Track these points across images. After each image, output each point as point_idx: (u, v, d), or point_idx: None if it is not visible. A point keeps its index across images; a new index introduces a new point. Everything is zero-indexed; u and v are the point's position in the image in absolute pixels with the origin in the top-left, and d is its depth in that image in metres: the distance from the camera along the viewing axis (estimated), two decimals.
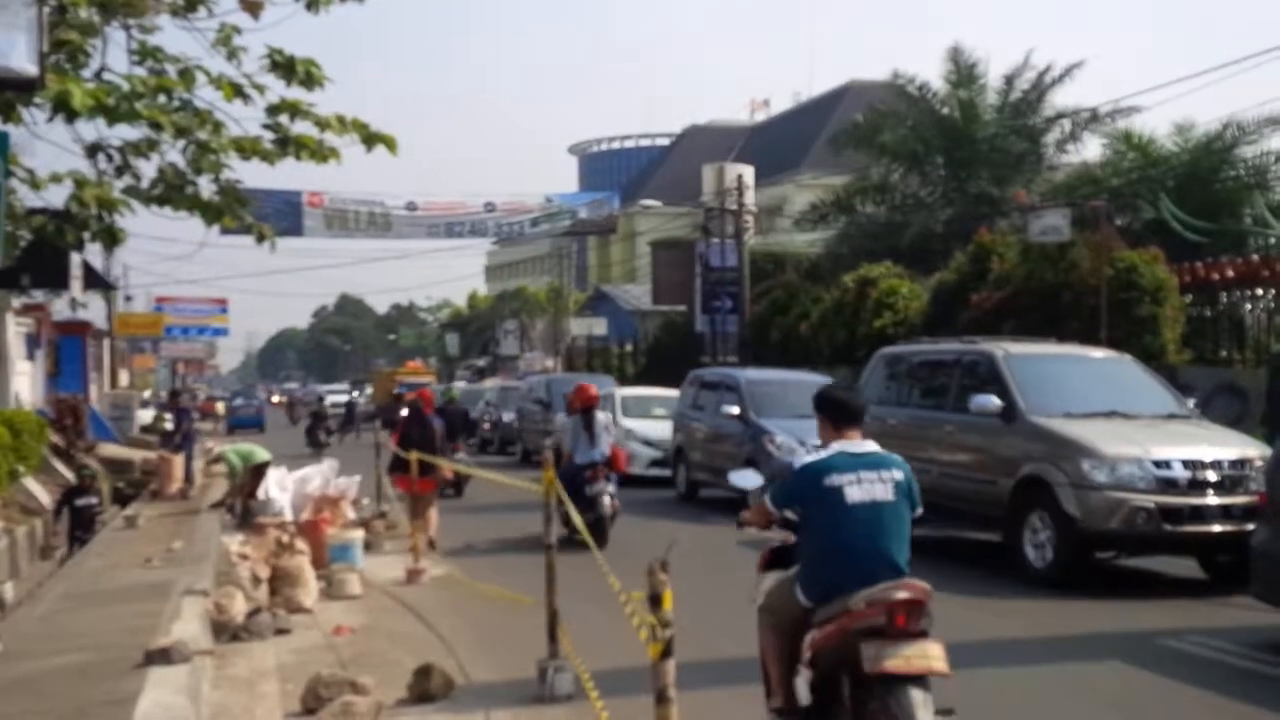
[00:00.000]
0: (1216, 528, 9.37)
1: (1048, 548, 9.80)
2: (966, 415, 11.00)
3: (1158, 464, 9.51)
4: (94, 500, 13.50)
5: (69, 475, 16.13)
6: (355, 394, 51.46)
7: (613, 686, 5.30)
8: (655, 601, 3.74)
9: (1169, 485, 9.44)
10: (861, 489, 4.72)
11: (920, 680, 4.45)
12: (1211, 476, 9.48)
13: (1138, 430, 10.15)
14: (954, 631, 8.23)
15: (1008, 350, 11.36)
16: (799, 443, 14.86)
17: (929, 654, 4.46)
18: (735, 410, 15.85)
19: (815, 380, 18.13)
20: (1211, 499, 9.41)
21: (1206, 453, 9.68)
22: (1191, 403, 11.40)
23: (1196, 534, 9.44)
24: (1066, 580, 9.61)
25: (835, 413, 5.01)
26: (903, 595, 4.49)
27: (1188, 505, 9.38)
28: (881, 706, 4.43)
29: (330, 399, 42.90)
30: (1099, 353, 12.54)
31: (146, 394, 41.61)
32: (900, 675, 4.41)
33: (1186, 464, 9.54)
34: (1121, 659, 7.40)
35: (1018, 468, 10.26)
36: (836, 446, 4.90)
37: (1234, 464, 9.59)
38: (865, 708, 4.50)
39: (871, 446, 4.91)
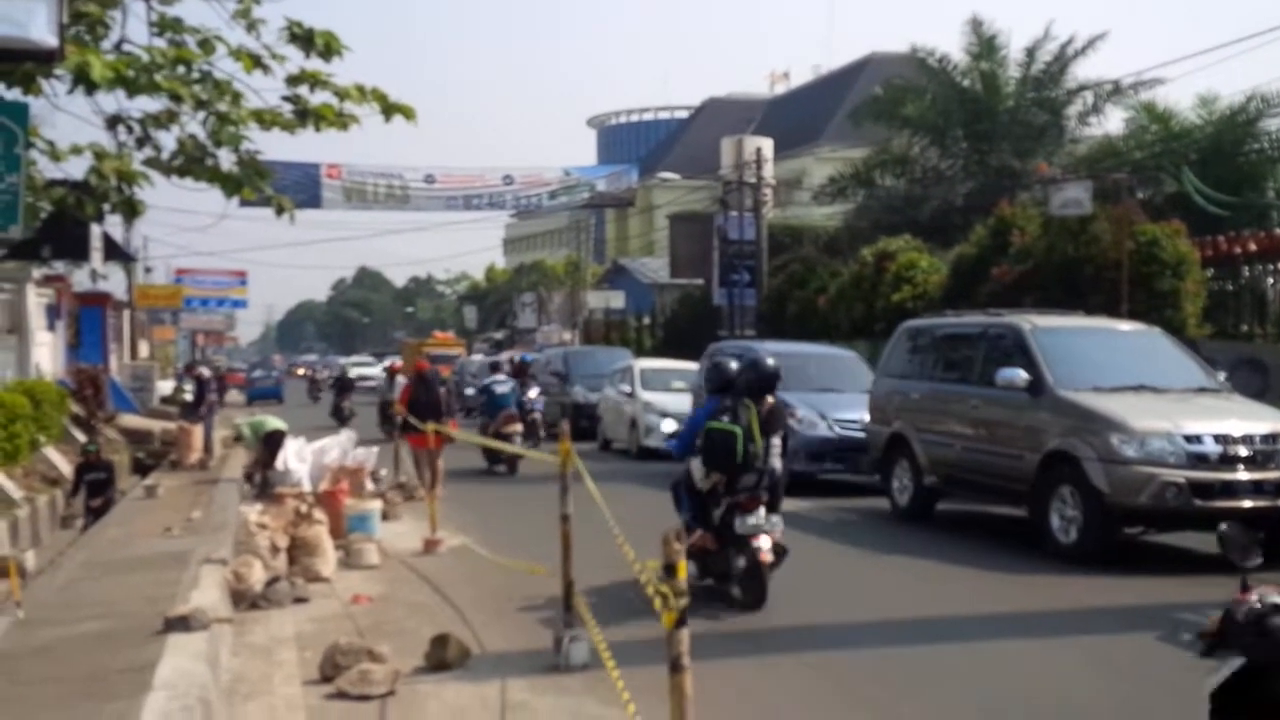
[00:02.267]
0: (1247, 503, 9.19)
1: (1074, 523, 9.68)
2: (992, 389, 10.86)
3: (1188, 438, 9.34)
4: (103, 475, 13.37)
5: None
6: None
7: (628, 656, 5.25)
8: (670, 571, 3.69)
9: (1199, 460, 9.28)
10: (500, 389, 18.07)
11: (515, 433, 17.28)
12: (1243, 451, 9.32)
13: (1168, 404, 10.00)
14: (977, 604, 8.23)
15: (1035, 323, 11.19)
16: (820, 416, 14.77)
17: (515, 427, 17.41)
18: None
19: (836, 353, 18.02)
20: (1242, 474, 9.25)
21: (1237, 427, 9.52)
22: (1222, 376, 11.19)
23: (1227, 509, 9.19)
24: (1093, 555, 9.48)
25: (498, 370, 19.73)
26: (508, 414, 17.59)
27: (1219, 480, 9.22)
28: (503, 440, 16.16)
29: (356, 372, 41.97)
30: (1127, 326, 12.34)
31: (180, 365, 41.40)
32: (506, 433, 17.03)
33: (1217, 438, 9.37)
34: (1146, 634, 7.32)
35: (1045, 442, 10.12)
36: (492, 378, 18.65)
37: (1265, 439, 9.44)
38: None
39: (504, 377, 18.59)
